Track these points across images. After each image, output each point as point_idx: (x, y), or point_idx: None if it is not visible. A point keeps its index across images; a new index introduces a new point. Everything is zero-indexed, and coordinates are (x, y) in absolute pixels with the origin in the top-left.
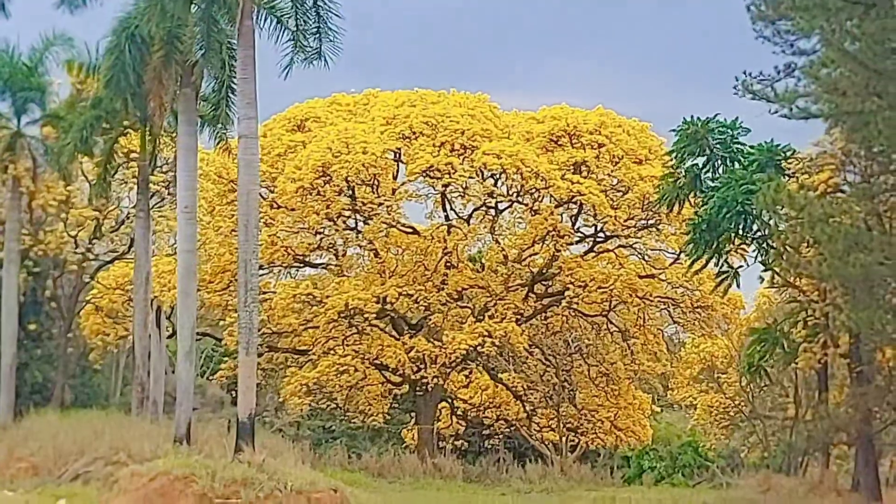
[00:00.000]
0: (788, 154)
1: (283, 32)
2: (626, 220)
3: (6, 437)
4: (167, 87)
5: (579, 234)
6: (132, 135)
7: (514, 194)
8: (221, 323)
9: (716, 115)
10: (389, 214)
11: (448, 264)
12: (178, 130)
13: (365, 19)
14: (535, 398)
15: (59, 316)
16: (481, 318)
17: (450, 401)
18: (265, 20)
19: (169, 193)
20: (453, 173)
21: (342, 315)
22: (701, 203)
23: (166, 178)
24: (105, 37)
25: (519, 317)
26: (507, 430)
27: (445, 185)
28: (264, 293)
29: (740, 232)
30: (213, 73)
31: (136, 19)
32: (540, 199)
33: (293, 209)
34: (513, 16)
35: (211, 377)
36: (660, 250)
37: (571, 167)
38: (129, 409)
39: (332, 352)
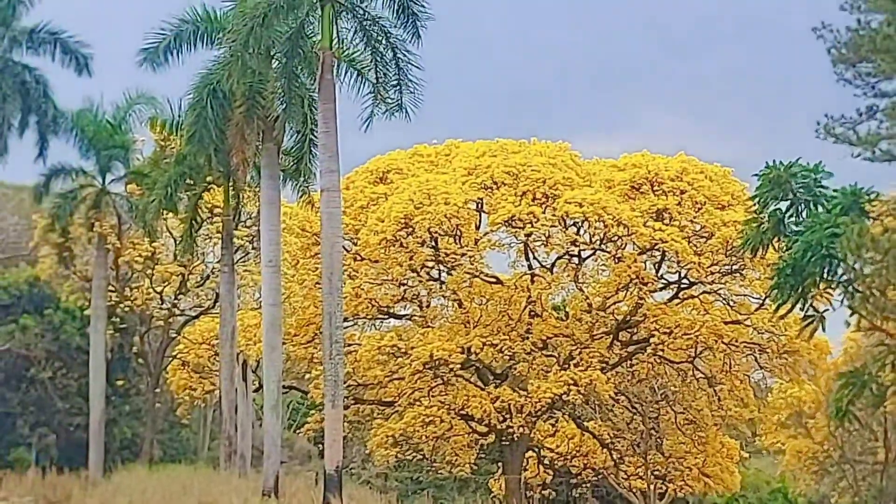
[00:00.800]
0: (872, 197)
1: (364, 85)
2: (709, 266)
3: (96, 492)
4: (250, 142)
5: (663, 281)
6: (216, 190)
7: (597, 242)
8: (307, 376)
9: (798, 159)
10: (472, 264)
11: (532, 313)
12: (261, 185)
13: (446, 70)
14: (622, 446)
15: (147, 372)
16: (566, 366)
17: (536, 450)
18: (346, 73)
19: (253, 248)
20: (535, 222)
21: (427, 366)
22: (785, 247)
23: (250, 233)
24: (187, 93)
25: (604, 365)
26: (595, 478)
27: (528, 235)
28: (349, 345)
29: (825, 276)
30: (295, 127)
31: (217, 75)
32: (623, 246)
33: (376, 261)
34: (593, 64)
35: (298, 430)
36: (745, 296)
37: (654, 214)
38: (217, 464)
39: (417, 403)
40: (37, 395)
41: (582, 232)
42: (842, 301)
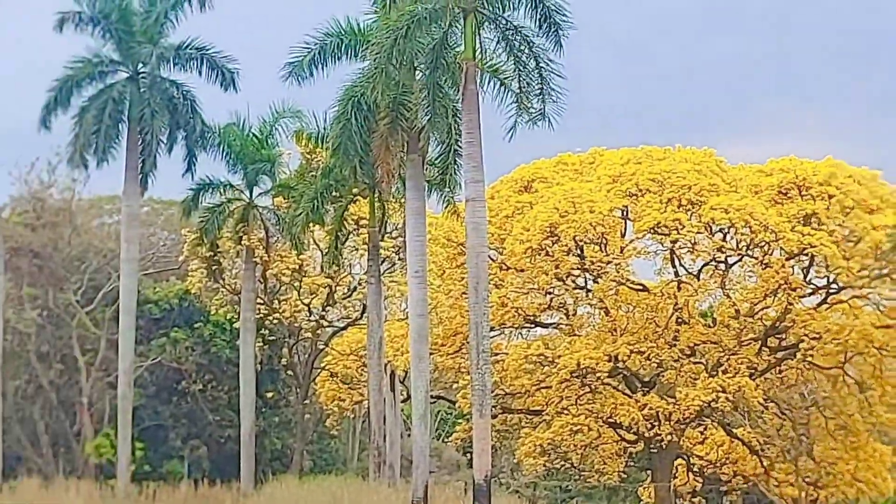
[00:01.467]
0: None
1: (507, 95)
2: (859, 271)
3: None
4: (394, 153)
5: (812, 286)
6: (361, 202)
7: (744, 248)
8: (455, 386)
9: None
10: (618, 272)
11: (679, 320)
12: (406, 196)
13: (589, 77)
14: (772, 453)
15: (296, 383)
16: (714, 373)
17: (685, 457)
18: (489, 83)
19: (399, 259)
20: (681, 229)
21: (574, 374)
22: None
23: (396, 244)
24: (332, 106)
25: (753, 371)
26: (745, 485)
27: (674, 242)
28: (496, 355)
29: None
30: (439, 137)
31: (361, 88)
32: (770, 252)
33: (522, 270)
34: (738, 67)
35: (446, 440)
36: (895, 299)
37: (801, 219)
38: (367, 474)
39: (565, 411)
40: (188, 408)
41: (728, 238)
42: None
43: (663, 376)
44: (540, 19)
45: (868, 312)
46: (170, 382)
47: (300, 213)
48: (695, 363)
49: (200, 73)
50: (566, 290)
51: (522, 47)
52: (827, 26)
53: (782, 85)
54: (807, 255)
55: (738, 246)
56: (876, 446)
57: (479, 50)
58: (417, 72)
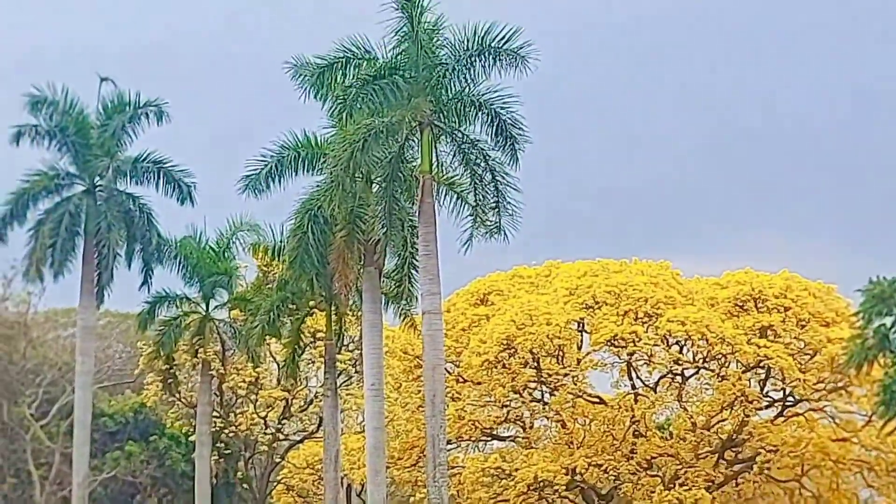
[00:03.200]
0: None
1: (463, 207)
2: (815, 384)
3: None
4: (351, 266)
5: (768, 399)
6: (318, 315)
7: (701, 360)
8: (412, 499)
9: None
10: (575, 384)
11: (636, 433)
12: (362, 308)
13: (542, 191)
14: None
15: (252, 497)
16: (672, 486)
17: None
18: (445, 196)
19: (356, 371)
20: (638, 341)
21: (532, 488)
22: (891, 363)
23: (353, 357)
24: (288, 218)
25: (710, 484)
26: None
27: (630, 354)
28: (453, 468)
29: None
30: (396, 250)
31: (318, 200)
32: (726, 364)
33: (479, 383)
34: (690, 184)
35: None
36: (851, 413)
37: (757, 332)
38: None
39: None
40: None
41: (685, 350)
42: None
43: (620, 489)
44: (496, 133)
45: (824, 425)
46: (124, 496)
47: (256, 326)
48: (652, 476)
49: (157, 186)
50: (523, 402)
51: (479, 160)
52: (781, 143)
53: (736, 199)
54: (763, 367)
55: (694, 358)
56: None
57: (436, 163)
58: (374, 184)
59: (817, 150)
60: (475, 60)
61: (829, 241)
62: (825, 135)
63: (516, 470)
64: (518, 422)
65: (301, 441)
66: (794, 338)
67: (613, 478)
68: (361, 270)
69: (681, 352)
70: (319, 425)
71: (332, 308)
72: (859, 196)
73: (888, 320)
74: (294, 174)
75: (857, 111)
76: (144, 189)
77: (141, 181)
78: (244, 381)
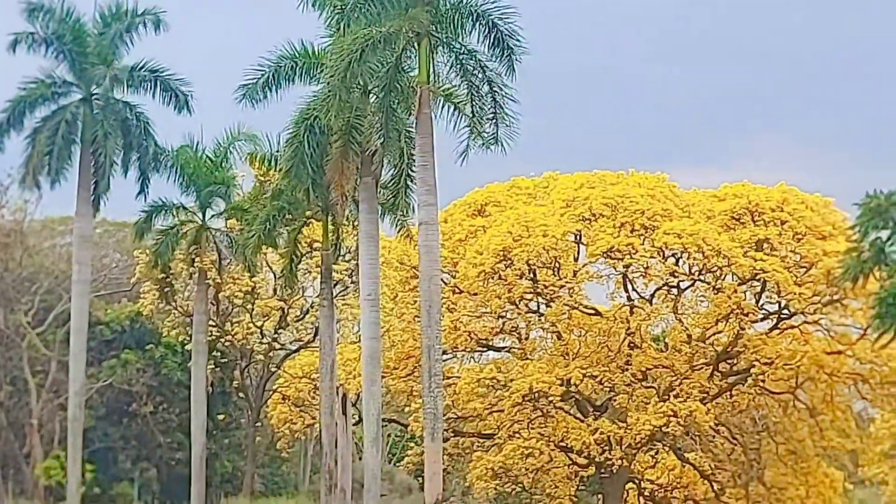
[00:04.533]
0: None
1: (461, 119)
2: (810, 297)
3: None
4: (348, 176)
5: (763, 312)
6: (315, 225)
7: (696, 273)
8: (407, 409)
9: None
10: (571, 296)
11: (631, 345)
12: (359, 219)
13: (543, 102)
14: (723, 477)
15: (247, 406)
16: (666, 397)
17: (637, 482)
18: (442, 107)
19: (352, 282)
20: (634, 254)
21: (526, 398)
22: (886, 277)
23: (349, 267)
24: (285, 129)
25: (704, 396)
26: None
27: (626, 266)
28: (448, 378)
29: None
30: (393, 161)
31: (315, 110)
32: (722, 277)
33: (475, 294)
34: (690, 94)
35: (398, 463)
36: (846, 326)
37: (754, 245)
38: (318, 497)
39: (517, 435)
40: (138, 430)
41: (681, 263)
42: None
43: (615, 401)
44: (493, 44)
45: (819, 338)
46: (120, 404)
47: (253, 236)
48: (646, 388)
49: (154, 95)
50: (519, 313)
51: (476, 72)
52: (781, 54)
53: (735, 112)
54: (759, 280)
55: (690, 271)
56: (826, 472)
57: (433, 74)
58: (371, 95)
59: (831, 60)
60: None
61: (847, 153)
62: (837, 46)
63: (511, 381)
64: (514, 333)
65: (297, 351)
66: (791, 251)
67: (608, 389)
68: (358, 181)
69: (677, 264)
70: (315, 335)
71: (329, 218)
72: (878, 110)
73: (884, 233)
74: (291, 84)
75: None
76: (141, 98)
77: (138, 90)
78: (241, 291)
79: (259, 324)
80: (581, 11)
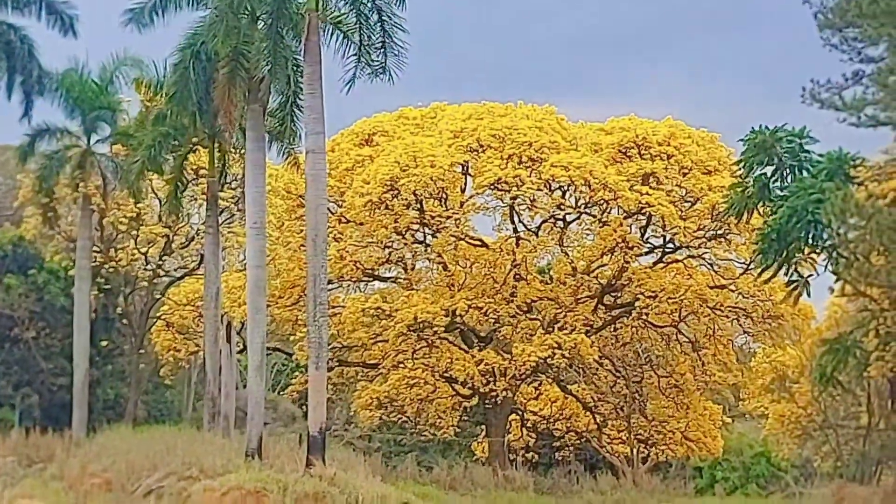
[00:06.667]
0: (857, 162)
1: (349, 47)
2: (695, 231)
3: (80, 452)
4: (234, 103)
5: (648, 245)
6: (201, 152)
7: (583, 206)
8: (292, 338)
9: (784, 125)
10: (458, 227)
11: (517, 276)
12: (246, 147)
13: (432, 32)
14: (606, 410)
15: (131, 333)
16: (551, 329)
17: (520, 413)
18: (331, 35)
19: (238, 210)
20: (521, 186)
21: (411, 328)
22: (770, 212)
23: (235, 195)
24: (172, 54)
25: (588, 328)
26: (578, 441)
27: (513, 198)
28: (333, 308)
29: (810, 241)
30: (280, 88)
31: (202, 36)
32: (608, 210)
33: (361, 223)
34: (577, 27)
35: (282, 392)
36: (729, 260)
37: (640, 178)
38: (201, 425)
39: (401, 365)
40: (20, 356)
41: (567, 196)
42: (826, 266)
43: (500, 332)
44: None
45: (703, 272)
46: (2, 329)
47: (137, 161)
48: (531, 319)
49: (39, 17)
50: (405, 244)
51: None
52: None
53: (623, 46)
54: (644, 214)
55: (576, 204)
56: (707, 405)
57: (322, 1)
58: (259, 21)
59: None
60: None
61: (717, 87)
62: None
63: (396, 310)
64: (399, 263)
65: (182, 278)
66: (676, 185)
67: (493, 320)
68: (245, 108)
69: (563, 197)
70: (200, 262)
71: (216, 145)
72: (772, 40)
73: (769, 169)
74: (179, 10)
75: None
76: (26, 20)
77: (22, 12)
78: (125, 217)
79: (144, 250)
80: None
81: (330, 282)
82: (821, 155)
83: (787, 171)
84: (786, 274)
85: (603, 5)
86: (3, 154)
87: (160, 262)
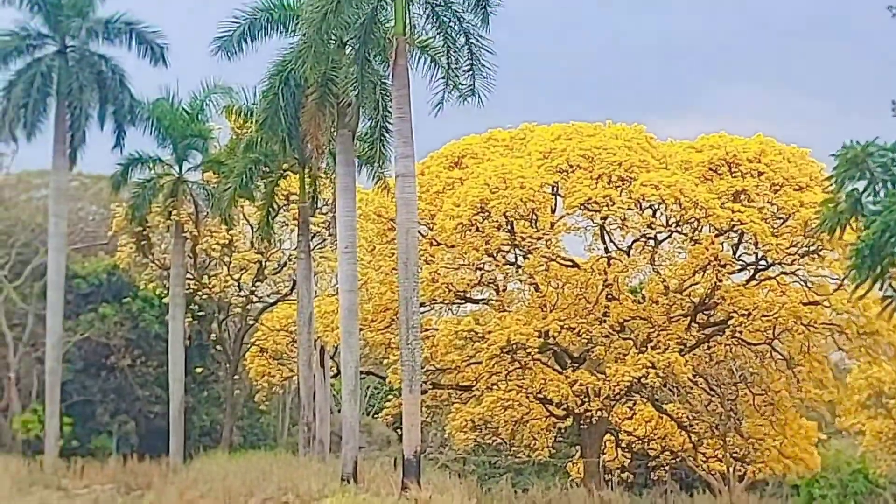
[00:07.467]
0: None
1: (437, 70)
2: (787, 248)
3: (177, 479)
4: (323, 128)
5: (741, 263)
6: (292, 177)
7: (674, 224)
8: (385, 361)
9: (875, 139)
10: (549, 248)
11: (609, 296)
12: (336, 171)
13: (520, 55)
14: (701, 428)
15: (225, 359)
16: (644, 349)
17: (614, 433)
18: (419, 59)
19: (329, 234)
20: (611, 205)
21: (504, 350)
22: (863, 228)
23: (326, 219)
24: (261, 81)
25: (682, 347)
26: (673, 461)
27: (604, 218)
28: (426, 330)
29: None
30: (369, 113)
31: (290, 63)
32: (700, 228)
33: (453, 246)
34: (667, 44)
35: (376, 415)
36: (823, 276)
37: (731, 196)
38: (297, 449)
39: (495, 387)
40: (117, 384)
41: (658, 214)
42: None
43: (593, 352)
44: None
45: (796, 289)
46: (98, 357)
47: (229, 188)
48: (624, 339)
49: (130, 47)
50: (496, 265)
51: (452, 23)
52: (757, 6)
53: (711, 63)
54: (736, 231)
55: (667, 222)
56: (802, 422)
57: (409, 25)
58: (347, 47)
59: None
60: None
61: (809, 102)
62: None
63: (489, 332)
64: (491, 285)
65: (275, 303)
66: (768, 202)
67: (586, 341)
68: (334, 133)
69: (654, 216)
70: (293, 288)
71: (306, 171)
72: (864, 57)
73: (861, 184)
74: (267, 37)
75: None
76: (117, 50)
77: (113, 42)
78: (218, 244)
79: (236, 277)
80: None
81: (422, 304)
82: None
83: (880, 185)
84: (880, 289)
85: (688, 21)
86: (97, 184)
87: (253, 288)
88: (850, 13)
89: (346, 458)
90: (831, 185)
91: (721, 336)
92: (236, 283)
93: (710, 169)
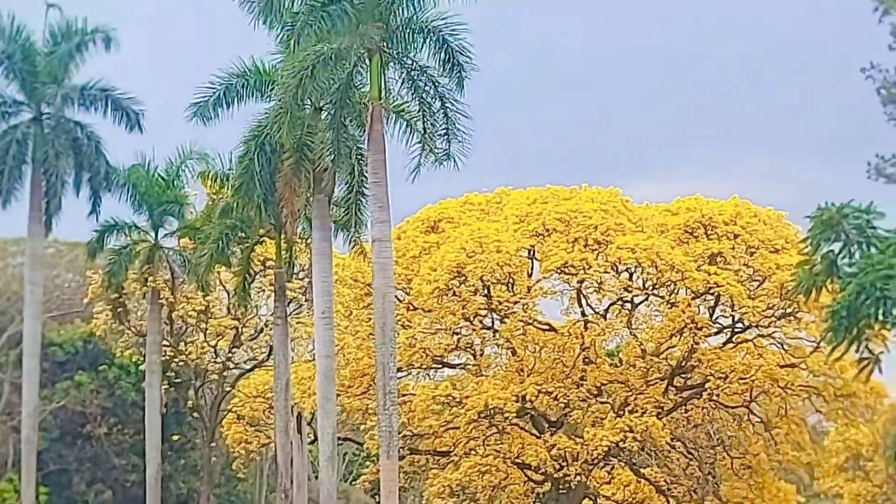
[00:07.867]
0: None
1: (413, 135)
2: (764, 310)
3: None
4: (299, 193)
5: (717, 326)
6: (268, 243)
7: (650, 287)
8: (362, 427)
9: (850, 201)
10: (525, 312)
11: (586, 360)
12: (312, 236)
13: (495, 119)
14: (679, 492)
15: (202, 426)
16: (622, 413)
17: (593, 497)
18: (395, 124)
19: (306, 300)
20: (588, 269)
21: (482, 415)
22: (838, 290)
23: (303, 285)
24: (237, 147)
25: (659, 410)
26: None
27: (580, 281)
28: (403, 395)
29: (880, 317)
30: (345, 178)
31: (266, 128)
32: (676, 291)
33: (430, 310)
34: (642, 108)
35: (354, 482)
36: (799, 339)
37: (707, 258)
38: None
39: (473, 452)
40: (93, 452)
41: (635, 277)
42: None
43: (571, 416)
44: (444, 60)
45: (773, 351)
46: (74, 426)
47: (205, 254)
48: (602, 403)
49: (105, 114)
50: (473, 330)
51: (427, 87)
52: (729, 68)
53: (686, 127)
54: (712, 294)
55: (644, 285)
56: (780, 485)
57: (385, 90)
58: (323, 112)
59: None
60: None
61: (784, 163)
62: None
63: (467, 397)
64: (468, 349)
65: (251, 370)
66: (744, 265)
67: (563, 405)
68: (310, 198)
69: (630, 279)
70: (270, 354)
71: (282, 236)
72: (816, 120)
73: (836, 246)
74: (243, 102)
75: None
76: (92, 117)
77: (89, 109)
78: (194, 310)
79: (213, 343)
80: (530, 22)
81: (399, 369)
82: (888, 231)
83: (855, 247)
84: (857, 351)
85: (664, 85)
86: (73, 251)
87: (230, 355)
88: (829, 73)
89: None
90: (807, 247)
91: (698, 399)
92: (213, 350)
93: (686, 231)
